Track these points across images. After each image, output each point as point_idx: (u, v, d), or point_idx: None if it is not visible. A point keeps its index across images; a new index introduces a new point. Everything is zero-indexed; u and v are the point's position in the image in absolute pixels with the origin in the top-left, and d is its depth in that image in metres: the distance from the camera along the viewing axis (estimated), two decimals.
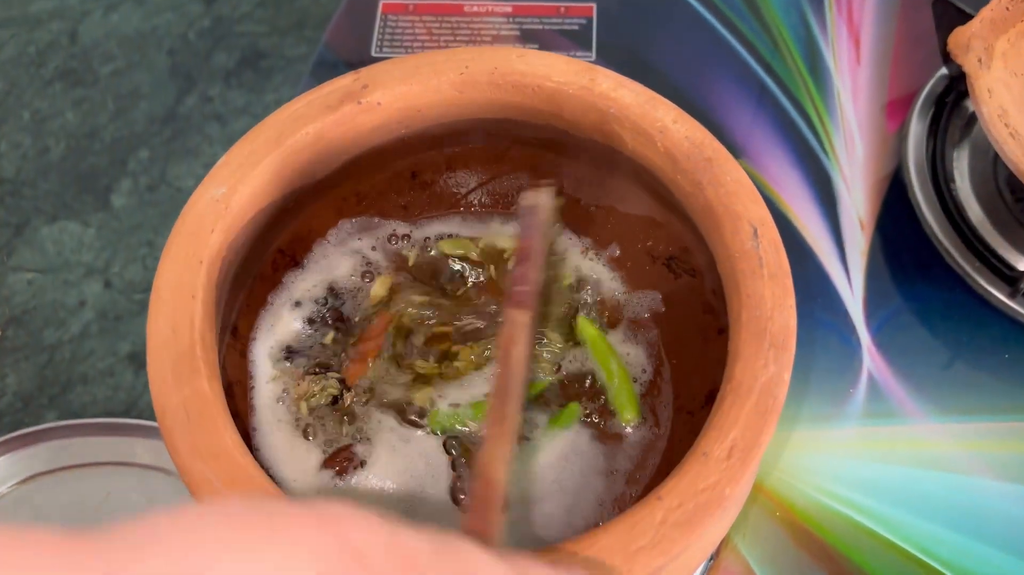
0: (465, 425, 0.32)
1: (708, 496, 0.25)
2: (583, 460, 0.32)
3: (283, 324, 0.35)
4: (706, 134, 0.32)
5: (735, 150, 0.32)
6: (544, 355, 0.34)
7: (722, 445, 0.26)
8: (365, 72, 0.34)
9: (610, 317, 0.35)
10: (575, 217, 0.38)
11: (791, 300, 0.28)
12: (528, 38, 0.55)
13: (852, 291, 0.45)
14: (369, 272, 0.36)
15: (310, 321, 0.35)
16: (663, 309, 0.36)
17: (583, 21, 0.56)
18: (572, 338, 0.35)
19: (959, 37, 0.43)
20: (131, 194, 1.14)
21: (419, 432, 0.32)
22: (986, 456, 0.40)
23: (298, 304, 0.35)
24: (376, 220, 0.38)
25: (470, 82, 0.34)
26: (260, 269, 0.35)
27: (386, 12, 0.57)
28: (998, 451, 0.41)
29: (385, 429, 0.33)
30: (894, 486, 0.40)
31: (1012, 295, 0.43)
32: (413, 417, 0.33)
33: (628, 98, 0.33)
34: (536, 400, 0.33)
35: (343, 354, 0.34)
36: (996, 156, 0.47)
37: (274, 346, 0.34)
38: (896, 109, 0.51)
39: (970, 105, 0.49)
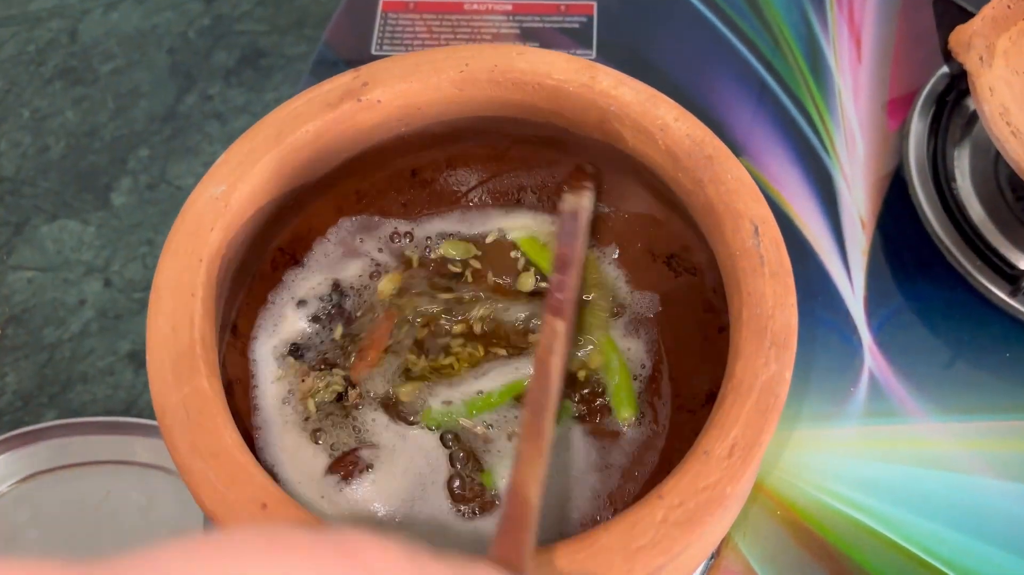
0: (458, 423, 0.32)
1: (709, 495, 0.25)
2: (578, 456, 0.32)
3: (288, 323, 0.35)
4: (707, 132, 0.32)
5: (736, 148, 0.32)
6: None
7: (723, 443, 0.26)
8: (365, 70, 0.34)
9: (615, 314, 0.35)
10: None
11: (792, 298, 0.28)
12: (528, 36, 0.55)
13: (853, 290, 0.45)
14: (376, 271, 0.36)
15: (315, 319, 0.35)
16: (663, 307, 0.35)
17: (583, 19, 0.56)
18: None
19: (960, 35, 0.43)
20: (131, 193, 1.14)
21: (414, 430, 0.32)
22: (987, 455, 0.40)
23: (302, 303, 0.35)
24: (376, 219, 0.38)
25: (470, 80, 0.34)
26: (260, 267, 0.35)
27: (386, 10, 0.57)
28: (999, 450, 0.41)
29: (381, 427, 0.32)
30: (895, 485, 0.40)
31: (1013, 294, 0.43)
32: (404, 413, 0.33)
33: (629, 96, 0.33)
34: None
35: (348, 350, 0.34)
36: (997, 155, 0.47)
37: (278, 345, 0.34)
38: (897, 107, 0.51)
39: (971, 103, 0.49)
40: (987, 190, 0.46)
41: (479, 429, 0.32)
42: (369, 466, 0.31)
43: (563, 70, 0.33)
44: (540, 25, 0.56)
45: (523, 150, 0.37)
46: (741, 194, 0.30)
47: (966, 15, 0.44)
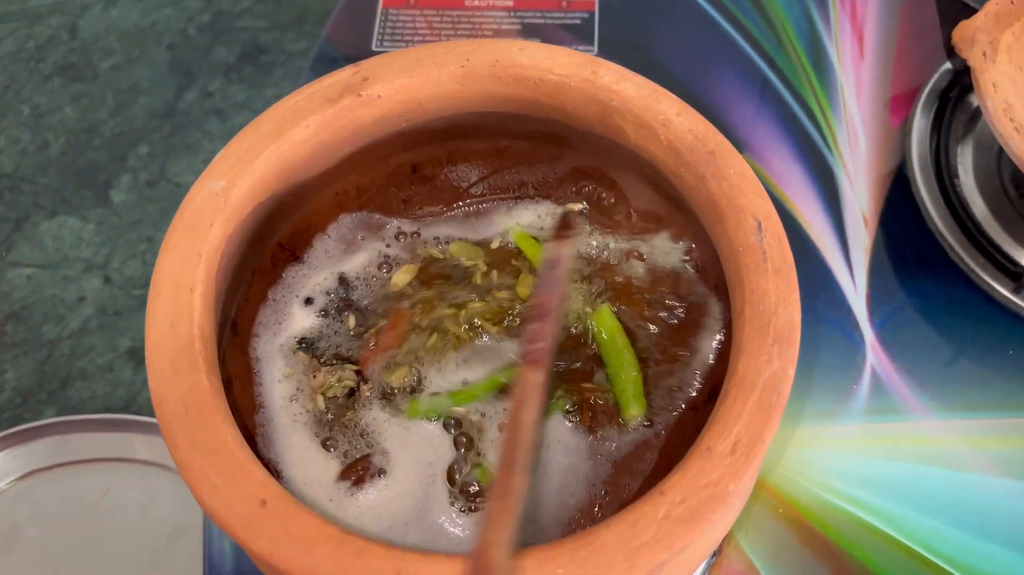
0: (448, 413, 0.32)
1: (711, 492, 0.25)
2: (578, 452, 0.32)
3: (295, 321, 0.34)
4: (709, 127, 0.32)
5: (738, 145, 0.32)
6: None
7: (726, 440, 0.26)
8: (365, 65, 0.34)
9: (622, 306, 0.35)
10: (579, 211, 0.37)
11: (795, 295, 0.28)
12: (529, 32, 0.55)
13: (855, 287, 0.45)
14: (385, 263, 0.36)
15: (324, 313, 0.35)
16: (665, 303, 0.35)
17: (585, 15, 0.56)
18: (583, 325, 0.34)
19: (964, 31, 0.43)
20: (130, 190, 1.14)
21: (416, 421, 0.32)
22: (990, 453, 0.40)
23: (309, 301, 0.35)
24: (377, 216, 0.37)
25: (471, 75, 0.34)
26: (260, 264, 0.35)
27: (386, 7, 0.57)
28: (1002, 448, 0.40)
29: (382, 422, 0.32)
30: (897, 483, 0.39)
31: (1016, 291, 0.43)
32: (397, 402, 0.32)
33: (630, 91, 0.32)
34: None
35: (366, 338, 0.34)
36: (1000, 151, 0.47)
37: (285, 343, 0.34)
38: (900, 104, 0.51)
39: (974, 100, 0.48)
40: (990, 187, 0.46)
41: (474, 417, 0.32)
42: (381, 470, 0.31)
43: (564, 65, 0.33)
44: (541, 21, 0.56)
45: (524, 146, 0.37)
46: (744, 189, 0.30)
47: (969, 11, 0.44)
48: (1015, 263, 0.44)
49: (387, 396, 0.33)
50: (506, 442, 0.27)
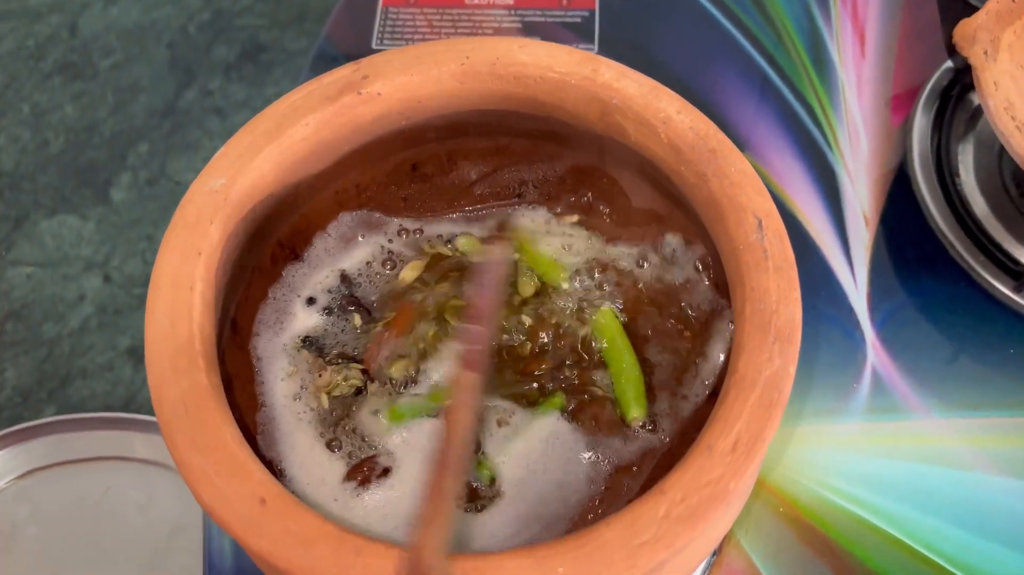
0: (432, 412, 0.32)
1: (712, 490, 0.25)
2: (577, 450, 0.32)
3: (298, 320, 0.34)
4: (710, 125, 0.31)
5: (739, 144, 0.32)
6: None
7: (726, 439, 0.25)
8: (365, 62, 0.34)
9: (628, 307, 0.35)
10: (579, 209, 0.37)
11: (796, 293, 0.28)
12: (530, 30, 0.55)
13: (856, 285, 0.45)
14: (389, 259, 0.36)
15: (328, 311, 0.34)
16: (666, 301, 0.35)
17: (585, 14, 0.56)
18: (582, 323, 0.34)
19: (965, 29, 0.43)
20: (130, 188, 1.14)
21: (418, 422, 0.32)
22: (990, 452, 0.40)
23: (311, 300, 0.35)
24: (377, 215, 0.37)
25: (471, 73, 0.33)
26: (259, 262, 0.35)
27: (386, 5, 0.56)
28: (1002, 446, 0.40)
29: (386, 420, 0.32)
30: (898, 481, 0.39)
31: (1017, 289, 0.43)
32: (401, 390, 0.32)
33: (631, 88, 0.32)
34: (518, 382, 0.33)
35: (367, 340, 0.34)
36: (1001, 150, 0.47)
37: (288, 342, 0.34)
38: (901, 103, 0.51)
39: (975, 98, 0.48)
40: (991, 185, 0.46)
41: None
42: (387, 470, 0.31)
43: (565, 63, 0.33)
44: (542, 19, 0.56)
45: (524, 144, 0.37)
46: (744, 187, 0.30)
47: (970, 9, 0.44)
48: (1016, 261, 0.43)
49: (390, 393, 0.33)
50: (443, 444, 0.27)
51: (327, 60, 0.54)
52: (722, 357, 0.32)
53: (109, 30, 1.27)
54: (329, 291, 0.35)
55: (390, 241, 0.37)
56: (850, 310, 0.44)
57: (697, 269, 0.35)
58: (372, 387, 0.33)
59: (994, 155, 0.47)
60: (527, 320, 0.34)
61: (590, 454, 0.32)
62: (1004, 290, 0.43)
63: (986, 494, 0.39)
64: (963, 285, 0.44)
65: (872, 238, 0.46)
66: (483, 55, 0.33)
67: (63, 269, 1.07)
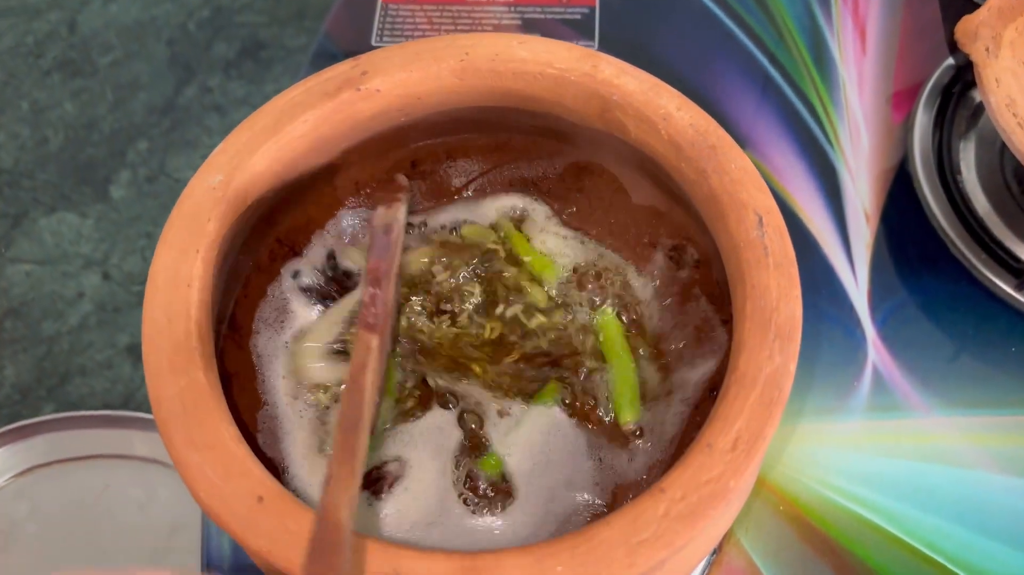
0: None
1: (712, 488, 0.25)
2: (576, 449, 0.32)
3: (296, 318, 0.34)
4: (710, 121, 0.31)
5: (740, 141, 0.31)
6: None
7: (726, 437, 0.25)
8: (364, 59, 0.33)
9: (629, 310, 0.35)
10: (579, 207, 0.37)
11: (797, 290, 0.28)
12: (530, 27, 0.55)
13: (857, 283, 0.45)
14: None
15: (320, 296, 0.34)
16: (666, 299, 0.35)
17: (585, 10, 0.56)
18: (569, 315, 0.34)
19: (966, 26, 0.43)
20: (130, 185, 1.14)
21: (423, 418, 0.32)
22: (991, 450, 0.40)
23: (296, 274, 0.34)
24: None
25: (471, 69, 0.33)
26: (257, 259, 0.35)
27: (386, 2, 0.56)
28: (1004, 445, 0.40)
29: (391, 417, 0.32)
30: (899, 480, 0.39)
31: (1019, 287, 0.43)
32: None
33: (631, 85, 0.32)
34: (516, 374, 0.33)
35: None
36: (1003, 147, 0.47)
37: (287, 340, 0.34)
38: (902, 100, 0.51)
39: (977, 95, 0.48)
40: (993, 183, 0.46)
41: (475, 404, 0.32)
42: (397, 478, 0.31)
43: (564, 59, 0.33)
44: (541, 16, 0.55)
45: (524, 140, 0.37)
46: (745, 184, 0.30)
47: (972, 6, 0.43)
48: (1017, 259, 0.43)
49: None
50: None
51: (327, 57, 0.54)
52: (713, 364, 0.32)
53: (108, 27, 1.27)
54: (315, 268, 0.35)
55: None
56: (851, 308, 0.44)
57: (695, 271, 0.35)
58: None
59: (996, 152, 0.47)
60: (524, 319, 0.34)
61: (591, 454, 0.32)
62: (1005, 288, 0.43)
63: (987, 493, 0.39)
64: (964, 283, 0.44)
65: (873, 235, 0.46)
66: (482, 51, 0.33)
67: (62, 266, 1.07)
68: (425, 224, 0.37)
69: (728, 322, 0.29)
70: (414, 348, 0.33)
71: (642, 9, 0.56)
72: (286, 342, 0.34)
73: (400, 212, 0.34)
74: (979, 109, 0.48)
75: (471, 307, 0.34)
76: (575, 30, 0.55)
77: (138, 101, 1.20)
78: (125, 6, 1.29)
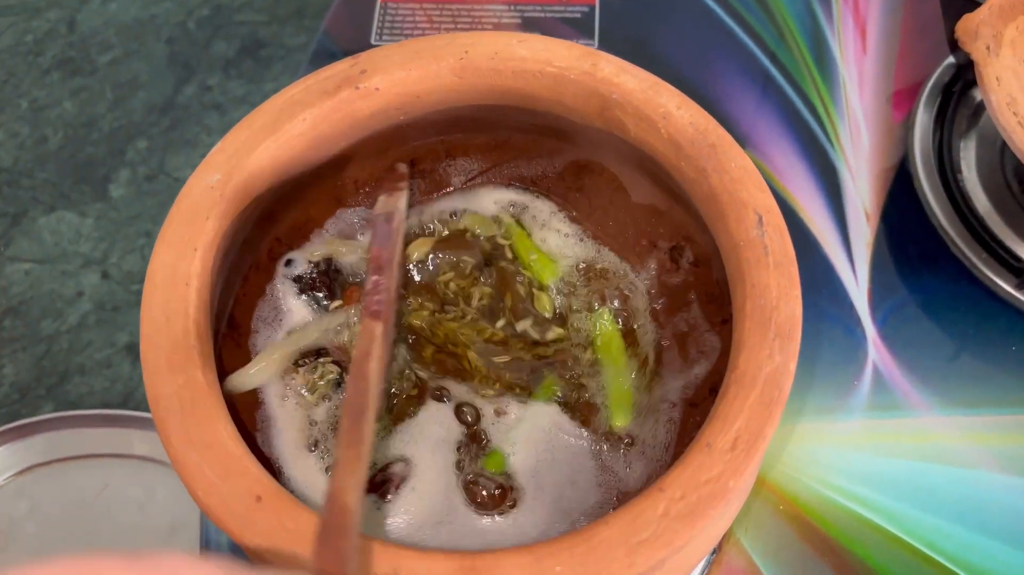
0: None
1: (712, 488, 0.25)
2: (574, 448, 0.31)
3: (292, 316, 0.34)
4: (710, 120, 0.31)
5: (740, 140, 0.31)
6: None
7: (726, 436, 0.25)
8: (363, 57, 0.33)
9: (627, 311, 0.34)
10: (578, 206, 0.37)
11: (797, 289, 0.28)
12: (529, 26, 0.55)
13: (857, 282, 0.45)
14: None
15: (310, 289, 0.34)
16: (665, 299, 0.35)
17: (585, 9, 0.56)
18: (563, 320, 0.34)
19: (967, 24, 0.42)
20: (129, 184, 1.14)
21: (419, 414, 0.32)
22: (992, 449, 0.40)
23: (289, 263, 0.34)
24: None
25: (470, 67, 0.33)
26: (256, 258, 0.35)
27: (385, 1, 0.56)
28: (1004, 444, 0.40)
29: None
30: (899, 479, 0.39)
31: (1019, 286, 0.43)
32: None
33: (631, 83, 0.32)
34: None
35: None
36: (1004, 146, 0.47)
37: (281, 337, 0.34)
38: (902, 99, 0.51)
39: (977, 94, 0.48)
40: (993, 181, 0.46)
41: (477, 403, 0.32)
42: (404, 479, 0.30)
43: (564, 57, 0.33)
44: (541, 15, 0.55)
45: (523, 139, 0.37)
46: (745, 183, 0.30)
47: (972, 4, 0.43)
48: (1018, 258, 0.43)
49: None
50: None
51: (326, 56, 0.54)
52: (708, 365, 0.32)
53: (108, 26, 1.27)
54: (309, 260, 0.35)
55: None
56: (851, 307, 0.44)
57: (693, 272, 0.34)
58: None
59: (996, 151, 0.47)
60: (535, 334, 0.34)
61: (590, 454, 0.31)
62: (1006, 287, 0.43)
63: (987, 492, 0.39)
64: (965, 282, 0.44)
65: (873, 235, 0.46)
66: (482, 50, 0.33)
67: (61, 265, 1.07)
68: (422, 212, 0.36)
69: (727, 322, 0.29)
70: (405, 337, 0.33)
71: (642, 8, 0.56)
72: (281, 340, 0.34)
73: (401, 201, 0.34)
74: (980, 108, 0.48)
75: (475, 309, 0.34)
76: (575, 29, 0.55)
77: (137, 100, 1.20)
78: (124, 5, 1.29)
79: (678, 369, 0.34)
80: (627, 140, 0.33)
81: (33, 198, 1.12)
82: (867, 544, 0.38)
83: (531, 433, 0.31)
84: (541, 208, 0.37)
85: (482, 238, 0.35)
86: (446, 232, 0.36)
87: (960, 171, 0.46)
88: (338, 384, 0.32)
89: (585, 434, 0.32)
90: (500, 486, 0.30)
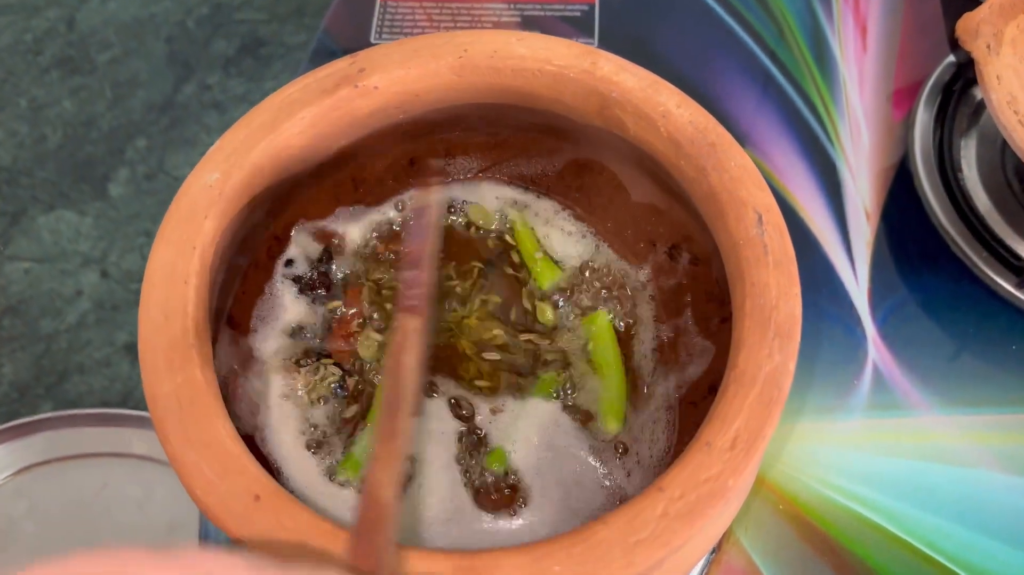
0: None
1: (711, 487, 0.24)
2: (572, 447, 0.31)
3: (288, 313, 0.34)
4: (710, 119, 0.31)
5: (740, 139, 0.31)
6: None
7: (725, 435, 0.25)
8: (362, 55, 0.33)
9: (625, 311, 0.34)
10: (578, 204, 0.37)
11: (796, 288, 0.28)
12: (529, 24, 0.55)
13: (857, 282, 0.45)
14: (389, 233, 0.35)
15: (312, 291, 0.34)
16: (664, 298, 0.35)
17: (585, 8, 0.56)
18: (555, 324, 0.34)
19: (968, 23, 0.42)
20: (128, 183, 1.14)
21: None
22: (992, 449, 0.40)
23: (289, 263, 0.34)
24: (374, 210, 0.37)
25: (469, 66, 0.33)
26: (255, 256, 0.35)
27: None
28: (1004, 444, 0.40)
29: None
30: (899, 479, 0.39)
31: (1019, 285, 0.43)
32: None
33: (630, 82, 0.32)
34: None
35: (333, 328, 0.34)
36: (1004, 144, 0.47)
37: (281, 339, 0.34)
38: (903, 98, 0.51)
39: (978, 93, 0.48)
40: (994, 180, 0.46)
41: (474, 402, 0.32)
42: (411, 477, 0.30)
43: (563, 56, 0.33)
44: (541, 13, 0.55)
45: (523, 138, 0.37)
46: (744, 182, 0.30)
47: (973, 3, 0.43)
48: (1018, 257, 0.43)
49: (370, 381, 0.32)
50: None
51: (326, 54, 0.54)
52: (705, 366, 0.32)
53: (107, 24, 1.26)
54: (308, 258, 0.35)
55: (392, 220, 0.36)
56: (851, 306, 0.44)
57: (691, 272, 0.34)
58: (351, 381, 0.32)
59: (997, 150, 0.47)
60: (539, 342, 0.34)
61: (590, 453, 0.31)
62: (1006, 286, 0.43)
63: (988, 491, 0.39)
64: (965, 281, 0.44)
65: (873, 234, 0.46)
66: (481, 48, 0.33)
67: (60, 264, 1.07)
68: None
69: (726, 321, 0.29)
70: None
71: (642, 6, 0.56)
72: (282, 344, 0.33)
73: (434, 195, 0.34)
74: (980, 107, 0.48)
75: (476, 311, 0.34)
76: (575, 27, 0.55)
77: (137, 99, 1.20)
78: (124, 3, 1.28)
79: (677, 368, 0.34)
80: (626, 139, 0.33)
81: (32, 197, 1.12)
82: (867, 544, 0.38)
83: (529, 430, 0.31)
84: (544, 206, 0.37)
85: (488, 236, 0.35)
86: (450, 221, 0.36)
87: (960, 170, 0.46)
88: (339, 386, 0.32)
89: (584, 434, 0.32)
90: (505, 483, 0.30)
